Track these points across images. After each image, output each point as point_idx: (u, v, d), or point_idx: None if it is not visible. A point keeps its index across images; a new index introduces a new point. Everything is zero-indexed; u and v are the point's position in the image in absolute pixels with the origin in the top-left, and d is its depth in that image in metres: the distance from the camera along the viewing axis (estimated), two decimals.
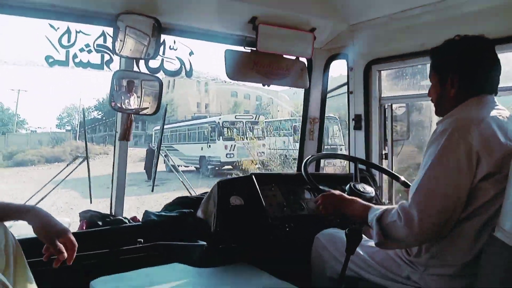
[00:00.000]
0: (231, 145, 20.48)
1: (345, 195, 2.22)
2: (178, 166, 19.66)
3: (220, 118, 22.64)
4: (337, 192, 2.26)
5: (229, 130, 21.16)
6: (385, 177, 3.19)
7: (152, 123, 38.38)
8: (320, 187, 2.44)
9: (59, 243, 1.69)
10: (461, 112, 1.88)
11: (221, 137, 21.15)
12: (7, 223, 1.75)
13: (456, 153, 1.71)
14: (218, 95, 43.74)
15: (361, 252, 2.14)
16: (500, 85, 1.98)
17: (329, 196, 2.24)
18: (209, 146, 21.85)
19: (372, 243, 2.16)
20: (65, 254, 1.69)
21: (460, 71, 1.92)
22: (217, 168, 20.95)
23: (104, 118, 45.58)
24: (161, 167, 16.78)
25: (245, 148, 18.75)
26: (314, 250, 2.43)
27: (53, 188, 3.24)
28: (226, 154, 20.59)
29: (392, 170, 3.11)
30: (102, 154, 30.26)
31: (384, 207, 1.93)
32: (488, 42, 1.95)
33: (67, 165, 3.18)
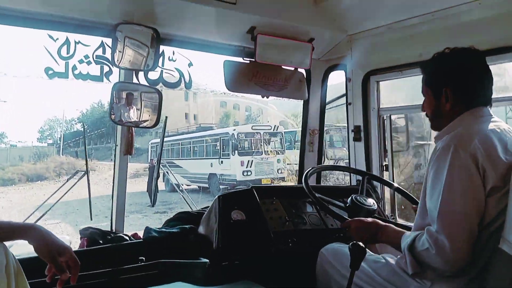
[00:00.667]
0: (248, 161, 18.12)
1: (379, 221, 2.18)
2: (181, 185, 17.60)
3: (235, 130, 19.80)
4: (370, 219, 2.22)
5: (240, 143, 18.73)
6: (387, 189, 3.20)
7: (139, 135, 35.82)
8: (318, 196, 2.45)
9: (61, 262, 1.68)
10: (458, 126, 1.90)
11: (236, 152, 18.53)
12: (7, 243, 1.72)
13: (466, 168, 1.73)
14: (207, 106, 43.06)
15: (366, 267, 2.12)
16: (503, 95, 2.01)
17: (362, 223, 2.19)
18: (221, 162, 19.10)
19: (377, 258, 2.17)
20: (68, 274, 1.68)
21: (454, 84, 1.94)
22: (229, 188, 17.43)
23: (88, 130, 44.10)
24: (160, 186, 15.78)
25: (264, 164, 17.42)
26: (318, 265, 2.41)
27: (48, 210, 3.15)
28: (243, 172, 18.04)
29: (393, 181, 3.13)
30: (89, 171, 28.74)
31: (412, 233, 1.90)
32: (479, 54, 1.97)
33: (67, 180, 3.11)
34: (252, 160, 18.03)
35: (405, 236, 1.92)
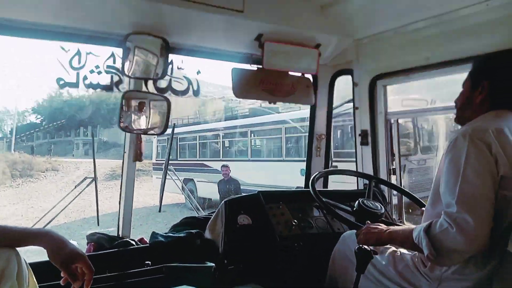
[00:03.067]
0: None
1: (382, 225, 2.16)
2: (208, 199, 13.81)
3: None
4: (379, 226, 2.16)
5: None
6: (394, 192, 3.20)
7: (106, 127, 31.39)
8: (325, 201, 2.47)
9: (74, 269, 1.69)
10: (478, 121, 1.94)
11: None
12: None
13: (483, 153, 1.75)
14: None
15: (382, 260, 2.17)
16: None
17: (369, 229, 2.15)
18: None
19: (393, 251, 2.19)
20: (80, 282, 1.70)
21: (494, 80, 1.97)
22: None
23: (44, 123, 37.85)
24: (174, 199, 13.49)
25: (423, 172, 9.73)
26: (336, 250, 2.46)
27: (53, 219, 3.16)
28: None
29: (401, 185, 3.14)
30: (50, 171, 22.36)
31: (425, 222, 1.86)
32: None
33: (75, 187, 3.18)
34: (405, 165, 9.82)
35: (418, 226, 1.87)
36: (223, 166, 13.15)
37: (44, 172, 21.83)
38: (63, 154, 29.89)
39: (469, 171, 1.74)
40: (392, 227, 2.13)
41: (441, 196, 1.84)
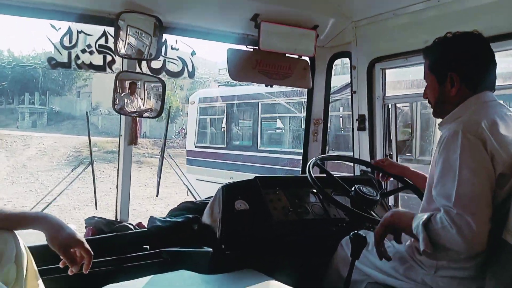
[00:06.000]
0: None
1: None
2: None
3: None
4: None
5: None
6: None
7: (57, 94, 28.83)
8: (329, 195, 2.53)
9: (72, 253, 1.74)
10: (465, 112, 1.97)
11: None
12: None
13: (478, 150, 1.78)
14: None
15: (375, 255, 2.17)
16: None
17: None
18: None
19: (387, 246, 2.23)
20: (78, 267, 1.75)
21: (460, 69, 2.00)
22: None
23: None
24: None
25: None
26: (338, 254, 2.51)
27: (52, 201, 3.17)
28: None
29: None
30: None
31: (426, 213, 1.88)
32: (482, 38, 2.03)
33: (72, 171, 3.20)
34: None
35: (418, 216, 1.89)
36: None
37: None
38: (4, 125, 26.95)
39: (465, 171, 1.76)
40: (394, 209, 2.18)
41: (435, 198, 1.86)
